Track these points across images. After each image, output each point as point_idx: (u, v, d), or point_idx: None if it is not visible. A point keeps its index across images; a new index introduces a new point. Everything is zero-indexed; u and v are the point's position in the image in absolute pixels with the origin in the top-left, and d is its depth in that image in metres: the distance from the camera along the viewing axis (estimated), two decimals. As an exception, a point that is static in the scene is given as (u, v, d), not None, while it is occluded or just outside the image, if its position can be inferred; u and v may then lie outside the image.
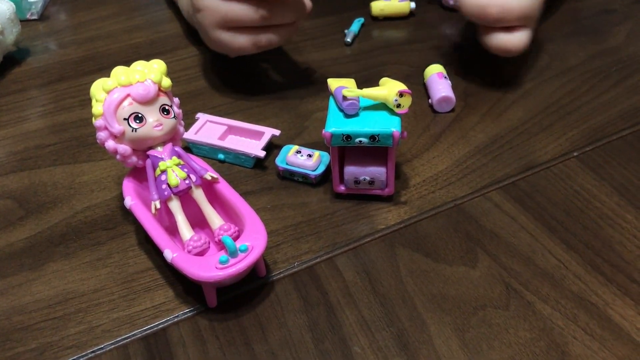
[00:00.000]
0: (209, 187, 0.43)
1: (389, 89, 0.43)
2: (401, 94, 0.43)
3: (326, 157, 0.49)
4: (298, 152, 0.49)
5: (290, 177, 0.49)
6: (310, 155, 0.48)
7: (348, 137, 0.43)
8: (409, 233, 0.45)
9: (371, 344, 0.38)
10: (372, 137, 0.43)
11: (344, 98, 0.44)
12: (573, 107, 0.56)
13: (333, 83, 0.46)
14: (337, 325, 0.39)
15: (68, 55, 0.66)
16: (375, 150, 0.45)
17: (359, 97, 0.44)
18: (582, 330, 0.38)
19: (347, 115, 0.44)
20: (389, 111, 0.44)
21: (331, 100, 0.46)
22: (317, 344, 0.38)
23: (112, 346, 0.38)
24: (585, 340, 0.38)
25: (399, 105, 0.43)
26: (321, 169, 0.48)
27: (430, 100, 0.56)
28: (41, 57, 0.66)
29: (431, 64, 0.59)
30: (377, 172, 0.45)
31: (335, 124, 0.43)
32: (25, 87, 0.62)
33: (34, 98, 0.60)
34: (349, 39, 0.66)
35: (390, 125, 0.43)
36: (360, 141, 0.43)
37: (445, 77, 0.57)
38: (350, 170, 0.45)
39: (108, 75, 0.42)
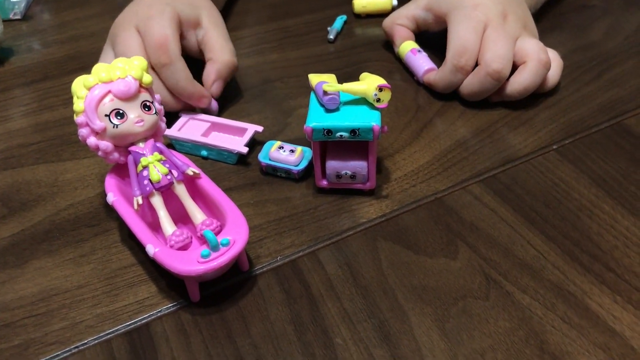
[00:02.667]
0: (191, 183, 0.43)
1: (369, 83, 0.44)
2: (381, 89, 0.43)
3: (309, 153, 0.49)
4: (280, 147, 0.49)
5: (273, 173, 0.49)
6: (292, 151, 0.49)
7: (329, 131, 0.43)
8: (390, 226, 0.45)
9: (353, 335, 0.38)
10: (353, 132, 0.43)
11: (325, 93, 0.44)
12: (553, 100, 0.57)
13: (314, 78, 0.47)
14: (319, 318, 0.39)
15: (51, 54, 0.66)
16: (356, 144, 0.45)
17: (339, 92, 0.44)
18: (560, 319, 0.39)
19: (328, 110, 0.44)
20: (369, 106, 0.45)
21: (312, 95, 0.47)
22: (300, 336, 0.38)
23: (96, 341, 0.39)
24: (563, 329, 0.38)
25: (378, 100, 0.44)
26: (304, 164, 0.49)
27: (415, 77, 0.59)
28: (24, 56, 0.66)
29: (413, 60, 0.60)
30: (358, 166, 0.45)
31: (316, 119, 0.44)
32: (9, 86, 0.62)
33: (17, 97, 0.60)
34: (331, 36, 0.66)
35: (371, 119, 0.43)
36: (341, 135, 0.43)
37: (419, 51, 0.59)
38: (332, 165, 0.46)
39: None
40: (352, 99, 0.45)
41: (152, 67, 0.51)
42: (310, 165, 0.49)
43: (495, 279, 0.41)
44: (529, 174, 0.49)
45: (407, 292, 0.41)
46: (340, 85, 0.44)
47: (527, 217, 0.45)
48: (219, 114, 0.55)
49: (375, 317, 0.39)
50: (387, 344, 0.38)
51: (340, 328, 0.39)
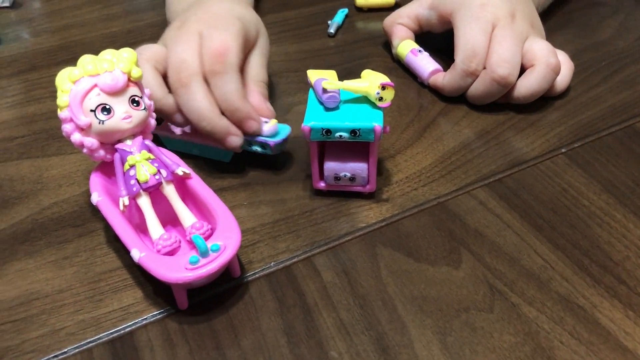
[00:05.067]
0: (181, 184, 0.41)
1: (371, 81, 0.41)
2: (383, 87, 0.41)
3: (284, 129, 0.46)
4: None
5: (249, 148, 0.46)
6: (266, 122, 0.45)
7: (328, 131, 0.41)
8: (391, 232, 0.43)
9: (349, 349, 0.36)
10: (353, 132, 0.41)
11: (324, 90, 0.42)
12: (561, 102, 0.55)
13: (313, 75, 0.44)
14: (313, 329, 0.37)
15: (41, 44, 0.64)
16: (356, 145, 0.43)
17: (339, 90, 0.42)
18: (568, 334, 0.37)
19: (327, 109, 0.42)
20: (370, 104, 0.42)
21: (311, 92, 0.44)
22: (293, 349, 0.36)
23: (76, 350, 0.36)
24: (571, 345, 0.36)
25: (381, 99, 0.41)
26: (280, 137, 0.45)
27: (419, 79, 0.56)
28: (12, 45, 0.64)
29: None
30: (358, 168, 0.43)
31: (315, 117, 0.41)
32: (-6, 76, 0.59)
33: (3, 88, 0.58)
34: (332, 30, 0.64)
35: (372, 119, 0.41)
36: (340, 136, 0.41)
37: (420, 51, 0.57)
38: (331, 166, 0.43)
39: (80, 66, 0.39)
40: (352, 97, 0.43)
41: (205, 77, 0.45)
42: (286, 142, 0.46)
43: (500, 290, 0.39)
44: (536, 179, 0.47)
45: (407, 303, 0.38)
46: (340, 82, 0.42)
47: (534, 224, 0.43)
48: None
49: (373, 328, 0.37)
50: (385, 358, 0.36)
51: (336, 340, 0.37)
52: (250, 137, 0.45)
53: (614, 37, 0.63)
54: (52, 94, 0.56)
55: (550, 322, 0.37)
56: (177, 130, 0.49)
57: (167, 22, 0.59)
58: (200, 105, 0.43)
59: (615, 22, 0.66)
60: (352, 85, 0.42)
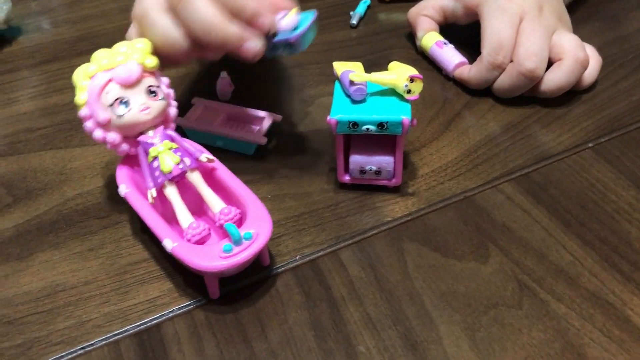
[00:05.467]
0: (208, 174, 0.41)
1: (399, 73, 0.41)
2: (412, 79, 0.41)
3: (307, 18, 0.40)
4: None
5: (273, 54, 0.41)
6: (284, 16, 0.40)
7: (355, 124, 0.41)
8: (417, 226, 0.43)
9: (377, 344, 0.36)
10: (380, 125, 0.40)
11: (351, 83, 0.41)
12: (588, 96, 0.54)
13: (339, 67, 0.44)
14: (340, 323, 0.37)
15: (61, 34, 0.64)
16: (382, 138, 0.43)
17: (366, 82, 0.42)
18: (598, 331, 0.36)
19: (354, 101, 0.42)
20: (398, 97, 0.42)
21: (337, 84, 0.44)
22: (320, 343, 0.36)
23: (103, 342, 0.36)
24: (602, 342, 0.36)
25: (409, 91, 0.41)
26: (302, 27, 0.39)
27: (443, 72, 0.56)
28: (33, 36, 0.63)
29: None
30: (384, 161, 0.43)
31: (341, 110, 0.41)
32: (16, 67, 0.59)
33: (25, 79, 0.58)
34: (354, 21, 0.63)
35: (400, 112, 0.40)
36: (367, 129, 0.41)
37: (445, 43, 0.56)
38: (356, 160, 0.43)
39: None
40: (379, 90, 0.42)
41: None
42: (313, 32, 0.41)
43: (528, 286, 0.39)
44: (564, 174, 0.46)
45: (435, 298, 0.38)
46: (368, 75, 0.42)
47: (562, 220, 0.43)
48: (233, 101, 0.52)
49: (400, 324, 0.37)
50: (413, 353, 0.35)
51: (364, 335, 0.36)
52: (270, 39, 0.39)
53: (640, 30, 0.62)
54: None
55: (580, 319, 0.37)
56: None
57: None
58: (206, 14, 0.38)
59: (642, 14, 0.65)
60: (380, 78, 0.42)
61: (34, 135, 0.51)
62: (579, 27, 0.60)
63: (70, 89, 0.56)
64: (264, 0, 0.39)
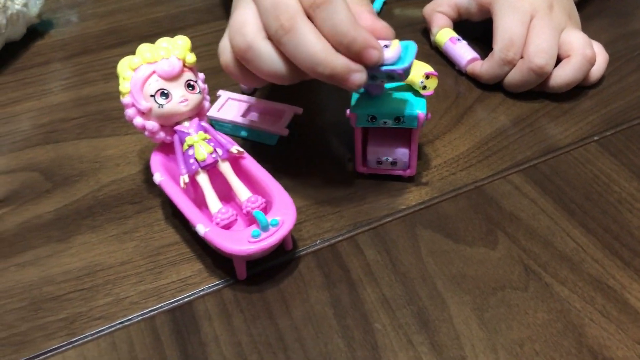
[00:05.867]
0: (235, 164, 0.44)
1: (415, 70, 0.43)
2: (428, 76, 0.43)
3: (410, 50, 0.39)
4: None
5: (372, 83, 0.40)
6: (387, 46, 0.38)
7: (373, 118, 0.43)
8: (430, 214, 0.45)
9: (392, 321, 0.39)
10: (397, 119, 0.43)
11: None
12: (594, 91, 0.56)
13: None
14: (358, 302, 0.40)
15: (89, 28, 0.66)
16: (398, 130, 0.45)
17: (384, 78, 0.44)
18: (598, 312, 0.39)
19: (372, 96, 0.44)
20: (413, 92, 0.45)
21: (355, 80, 0.46)
22: (339, 320, 0.39)
23: (140, 318, 0.39)
24: (601, 323, 0.38)
25: (424, 87, 0.44)
26: (408, 60, 0.38)
27: (456, 67, 0.58)
28: (63, 29, 0.66)
29: (453, 44, 0.59)
30: (400, 153, 0.45)
31: (361, 104, 0.44)
32: (49, 59, 0.62)
33: (58, 71, 0.61)
34: (370, 17, 0.65)
35: (416, 107, 0.43)
36: (385, 122, 0.43)
37: (459, 40, 0.59)
38: (374, 151, 0.46)
39: (130, 50, 0.42)
40: (396, 85, 0.45)
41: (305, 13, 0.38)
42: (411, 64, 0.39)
43: (534, 270, 0.41)
44: (570, 165, 0.49)
45: (447, 281, 0.41)
46: (386, 71, 0.44)
47: (567, 209, 0.45)
48: (255, 93, 0.55)
49: (414, 304, 0.40)
50: (426, 331, 0.38)
51: (380, 313, 0.39)
52: (372, 69, 0.38)
53: (647, 27, 0.64)
54: (104, 76, 0.59)
55: (582, 301, 0.39)
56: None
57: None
58: (314, 47, 0.37)
59: (649, 11, 0.67)
60: (397, 74, 0.44)
61: (68, 125, 0.54)
62: (587, 24, 0.63)
63: (101, 81, 0.59)
64: (368, 30, 0.38)
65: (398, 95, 0.44)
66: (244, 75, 0.41)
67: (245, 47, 0.39)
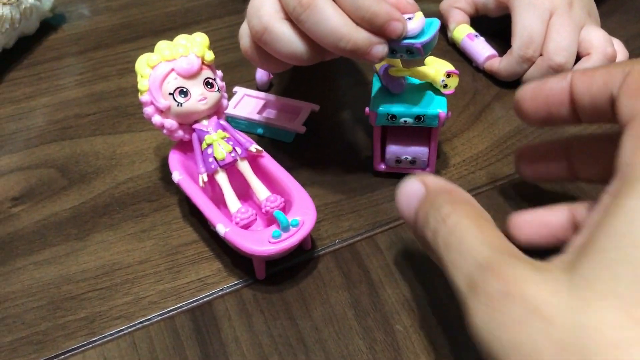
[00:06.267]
0: (253, 163, 0.43)
1: (436, 68, 0.43)
2: (449, 75, 0.43)
3: (433, 25, 0.38)
4: None
5: (392, 57, 0.39)
6: (410, 19, 0.37)
7: (393, 116, 0.43)
8: (449, 213, 0.45)
9: (413, 323, 0.38)
10: (418, 118, 0.43)
11: (391, 77, 0.43)
12: (614, 88, 0.55)
13: (378, 60, 0.46)
14: (379, 303, 0.40)
15: (103, 22, 0.66)
16: (417, 129, 0.45)
17: (405, 77, 0.44)
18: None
19: (392, 94, 0.44)
20: (433, 90, 0.44)
21: (375, 77, 0.46)
22: (360, 321, 0.39)
23: (159, 317, 0.39)
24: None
25: (445, 86, 0.43)
26: (429, 34, 0.37)
27: (474, 64, 0.58)
28: (76, 23, 0.66)
29: (470, 40, 0.59)
30: (419, 151, 0.45)
31: (381, 103, 0.43)
32: (62, 54, 0.62)
33: (71, 66, 0.60)
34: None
35: (437, 105, 0.42)
36: (405, 121, 0.43)
37: (477, 36, 0.58)
38: (393, 150, 0.45)
39: (143, 44, 0.42)
40: (416, 83, 0.45)
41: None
42: (435, 39, 0.39)
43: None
44: (590, 164, 0.48)
45: (467, 282, 0.40)
46: (407, 69, 0.44)
47: (588, 209, 0.45)
48: (272, 90, 0.55)
49: (435, 305, 0.39)
50: (448, 332, 0.38)
51: (401, 315, 0.39)
52: (393, 43, 0.38)
53: (667, 22, 0.63)
54: (119, 72, 0.59)
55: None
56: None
57: None
58: (335, 22, 0.36)
59: (669, 6, 0.66)
60: (419, 72, 0.44)
61: (83, 121, 0.54)
62: (606, 21, 0.62)
63: (115, 76, 0.59)
64: (393, 5, 0.37)
65: (418, 93, 0.44)
66: (263, 59, 0.41)
67: (262, 30, 0.38)
